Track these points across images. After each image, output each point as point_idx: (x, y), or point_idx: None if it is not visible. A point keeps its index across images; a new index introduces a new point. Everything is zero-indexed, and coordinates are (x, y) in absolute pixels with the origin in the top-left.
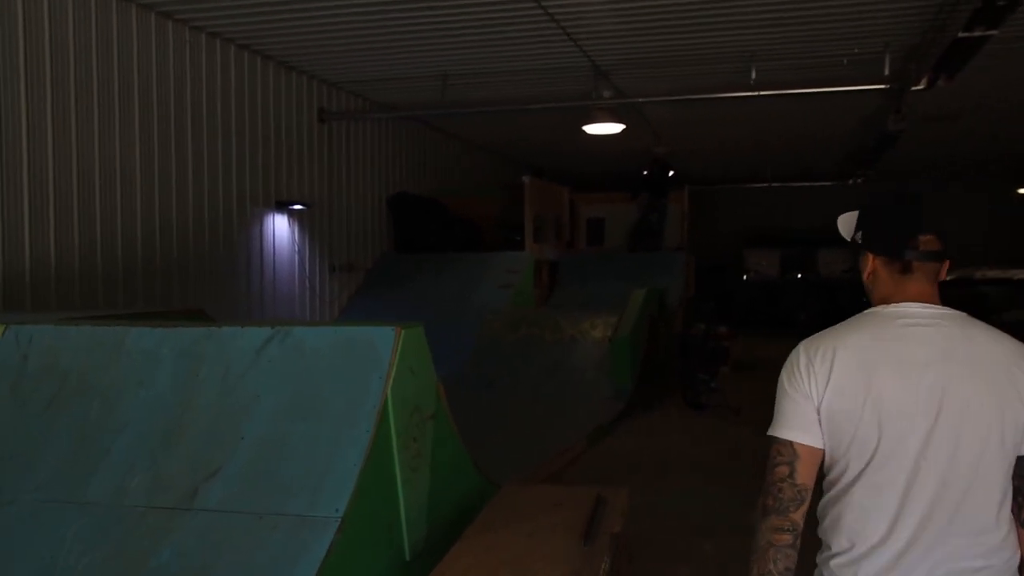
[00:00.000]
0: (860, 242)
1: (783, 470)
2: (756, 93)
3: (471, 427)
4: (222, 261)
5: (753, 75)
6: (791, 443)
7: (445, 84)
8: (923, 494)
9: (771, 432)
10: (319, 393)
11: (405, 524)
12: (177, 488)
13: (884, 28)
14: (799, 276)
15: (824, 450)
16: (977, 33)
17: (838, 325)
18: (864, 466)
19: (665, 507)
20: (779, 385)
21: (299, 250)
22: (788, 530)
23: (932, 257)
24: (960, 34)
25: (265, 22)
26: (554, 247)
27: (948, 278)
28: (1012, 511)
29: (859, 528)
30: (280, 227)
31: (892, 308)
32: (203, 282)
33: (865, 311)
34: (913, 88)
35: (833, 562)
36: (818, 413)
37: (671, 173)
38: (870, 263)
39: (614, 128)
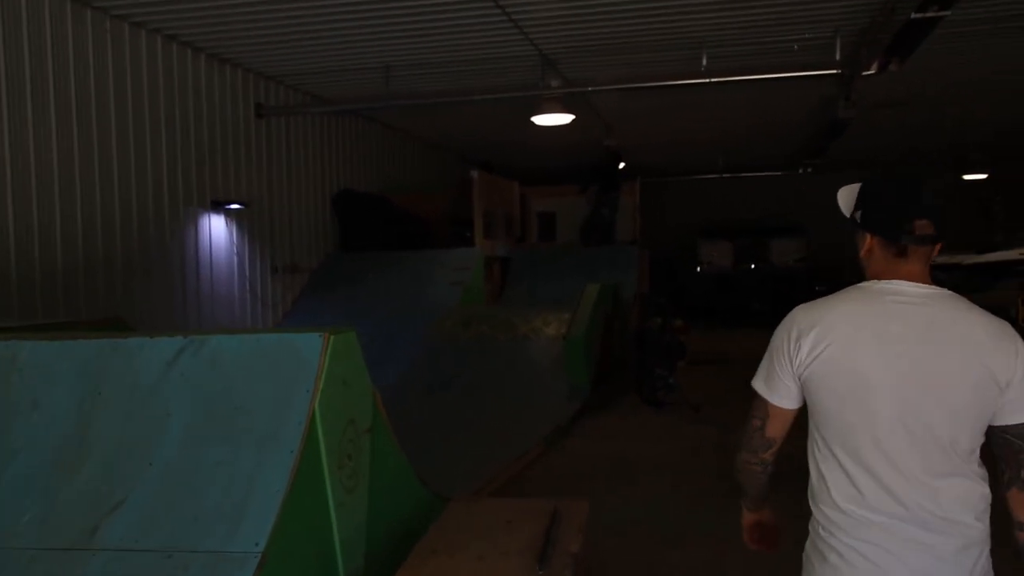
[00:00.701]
0: (859, 221)
1: (756, 423)
2: (707, 80)
3: (421, 432)
4: (154, 265)
5: (704, 62)
6: (766, 402)
7: (388, 76)
8: (891, 461)
9: (753, 384)
10: (238, 410)
11: (340, 553)
12: (74, 525)
13: (835, 12)
14: (752, 267)
15: (796, 409)
16: (930, 14)
17: (831, 296)
18: (841, 430)
19: (628, 515)
20: (771, 341)
21: (238, 252)
22: (756, 463)
23: (926, 241)
24: (913, 15)
25: (194, 11)
26: (505, 242)
27: None
28: (1000, 479)
29: (842, 488)
30: (217, 228)
31: (884, 284)
32: (132, 289)
33: (859, 283)
34: (864, 73)
35: (820, 518)
36: (800, 378)
37: (621, 165)
38: (867, 242)
39: (563, 119)
